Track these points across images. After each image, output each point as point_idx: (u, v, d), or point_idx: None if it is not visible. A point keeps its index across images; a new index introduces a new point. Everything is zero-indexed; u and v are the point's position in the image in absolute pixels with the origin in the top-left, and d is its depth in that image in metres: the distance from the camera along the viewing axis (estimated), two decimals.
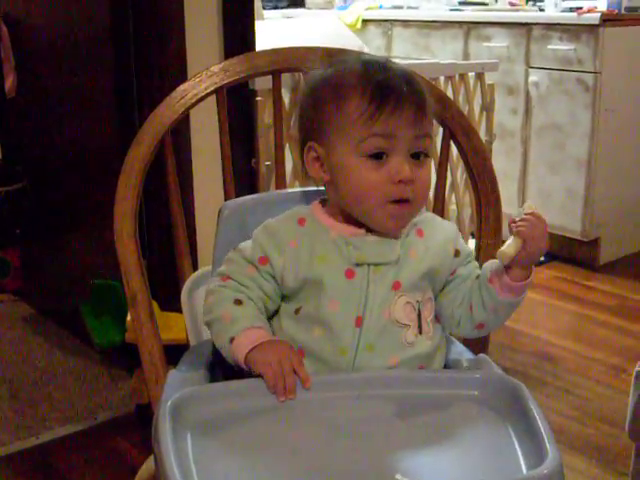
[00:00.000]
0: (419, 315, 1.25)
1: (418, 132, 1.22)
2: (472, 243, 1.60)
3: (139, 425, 2.48)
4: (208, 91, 1.52)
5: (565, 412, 2.63)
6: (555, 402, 2.70)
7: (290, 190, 1.51)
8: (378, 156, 1.21)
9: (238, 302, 1.25)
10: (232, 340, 1.22)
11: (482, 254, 1.51)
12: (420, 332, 1.26)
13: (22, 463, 2.36)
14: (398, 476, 1.04)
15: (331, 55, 1.48)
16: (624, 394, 1.99)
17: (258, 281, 1.27)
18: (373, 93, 1.21)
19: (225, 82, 1.53)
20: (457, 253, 1.31)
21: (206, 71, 1.52)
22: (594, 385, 2.82)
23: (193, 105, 1.50)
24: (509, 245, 1.21)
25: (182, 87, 1.50)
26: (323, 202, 1.32)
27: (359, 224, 1.27)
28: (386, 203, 1.22)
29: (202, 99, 1.52)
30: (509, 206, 4.04)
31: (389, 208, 1.22)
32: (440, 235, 1.31)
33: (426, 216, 1.34)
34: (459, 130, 1.55)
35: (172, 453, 1.02)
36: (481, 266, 1.32)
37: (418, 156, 1.24)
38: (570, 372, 2.92)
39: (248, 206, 1.44)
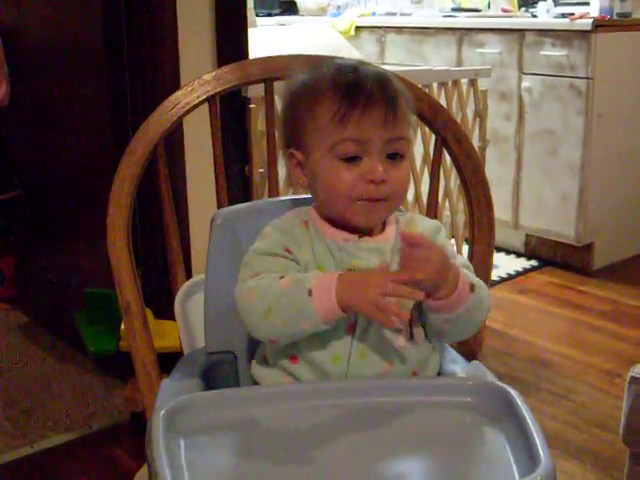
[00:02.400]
0: (410, 321, 1.25)
1: (390, 134, 1.23)
2: (466, 249, 1.60)
3: (134, 433, 2.48)
4: (200, 99, 1.52)
5: (560, 417, 2.64)
6: (550, 407, 2.70)
7: (283, 198, 1.51)
8: (352, 159, 1.23)
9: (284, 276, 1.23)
10: (310, 292, 1.17)
11: (475, 260, 1.51)
12: (412, 337, 1.25)
13: (17, 472, 2.36)
14: None
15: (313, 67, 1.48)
16: (618, 399, 1.99)
17: (289, 264, 1.25)
18: (343, 96, 1.22)
19: (217, 90, 1.53)
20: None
21: (198, 79, 1.52)
22: (589, 390, 2.82)
23: (185, 114, 1.51)
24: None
25: (174, 96, 1.50)
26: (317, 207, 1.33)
27: (351, 229, 1.27)
28: (356, 200, 1.23)
29: (194, 108, 1.52)
30: (503, 212, 4.06)
31: (360, 204, 1.23)
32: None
33: (408, 216, 1.34)
34: (451, 136, 1.55)
35: (165, 461, 1.02)
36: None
37: (394, 157, 1.25)
38: (565, 377, 2.92)
39: (240, 214, 1.44)
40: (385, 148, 1.23)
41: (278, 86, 1.61)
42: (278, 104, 2.63)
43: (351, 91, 1.22)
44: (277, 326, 1.20)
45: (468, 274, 1.25)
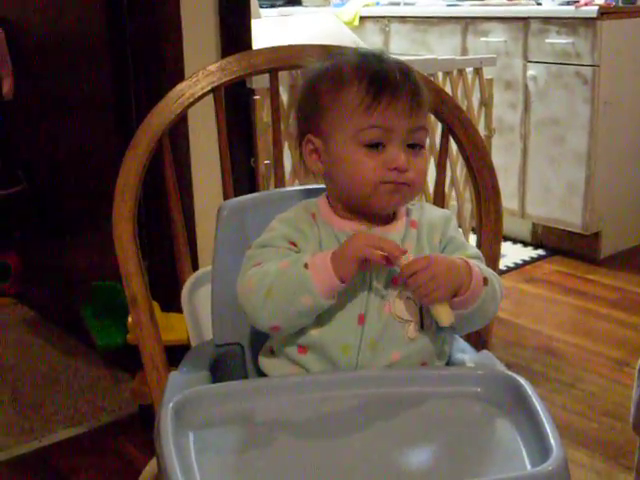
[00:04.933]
0: (421, 310, 1.25)
1: (414, 124, 1.24)
2: (473, 238, 1.59)
3: (142, 426, 2.48)
4: (205, 90, 1.51)
5: (569, 406, 2.63)
6: (559, 397, 2.69)
7: (289, 188, 1.51)
8: (375, 146, 1.23)
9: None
10: (306, 265, 1.18)
11: (482, 249, 1.50)
12: (422, 327, 1.25)
13: (25, 466, 2.36)
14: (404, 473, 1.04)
15: (328, 52, 1.47)
16: (628, 387, 1.98)
17: (291, 254, 1.25)
18: (369, 84, 1.22)
19: (222, 81, 1.52)
20: (451, 240, 1.31)
21: (203, 70, 1.52)
22: (598, 379, 2.82)
23: (190, 105, 1.50)
24: (436, 316, 1.19)
25: (179, 87, 1.50)
26: (327, 198, 1.32)
27: (360, 219, 1.27)
28: (381, 184, 1.23)
29: (199, 99, 1.51)
30: (510, 201, 4.05)
31: (385, 187, 1.23)
32: (430, 224, 1.31)
33: (419, 206, 1.34)
34: (457, 124, 1.54)
35: (174, 454, 1.01)
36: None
37: (414, 147, 1.25)
38: (573, 366, 2.92)
39: (247, 205, 1.44)
40: (407, 138, 1.24)
41: (283, 76, 1.60)
42: (283, 95, 2.64)
43: (378, 79, 1.23)
44: (277, 306, 1.20)
45: (480, 266, 1.25)
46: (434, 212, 1.34)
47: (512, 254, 4.06)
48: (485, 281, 1.22)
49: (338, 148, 1.25)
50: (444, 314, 1.18)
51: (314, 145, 1.29)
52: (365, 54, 1.28)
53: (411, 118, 1.23)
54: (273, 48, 1.57)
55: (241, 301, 1.24)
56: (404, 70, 1.26)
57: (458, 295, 1.20)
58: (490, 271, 1.27)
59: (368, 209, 1.26)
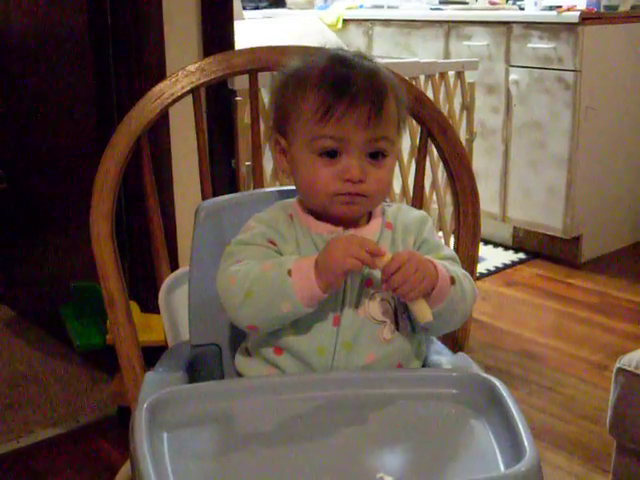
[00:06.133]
0: (395, 312, 1.25)
1: (372, 135, 1.21)
2: (453, 241, 1.59)
3: (121, 427, 2.47)
4: (184, 90, 1.51)
5: (548, 409, 2.64)
6: (538, 400, 2.70)
7: (267, 189, 1.50)
8: (331, 154, 1.22)
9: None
10: (290, 272, 1.16)
11: (460, 251, 1.51)
12: (397, 329, 1.25)
13: (3, 467, 2.35)
14: (380, 475, 1.04)
15: (303, 54, 1.47)
16: (606, 391, 1.99)
17: (272, 254, 1.24)
18: (327, 92, 1.20)
19: (201, 81, 1.52)
20: (425, 241, 1.30)
21: (182, 71, 1.51)
22: (577, 382, 2.83)
23: (169, 105, 1.49)
24: (419, 312, 1.18)
25: (158, 87, 1.49)
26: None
27: (336, 221, 1.26)
28: (334, 196, 1.22)
29: (178, 99, 1.51)
30: (491, 204, 4.06)
31: (339, 198, 1.23)
32: (405, 225, 1.30)
33: (394, 207, 1.33)
34: (436, 128, 1.54)
35: (148, 454, 1.01)
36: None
37: (376, 155, 1.23)
38: (553, 370, 2.93)
39: (224, 206, 1.43)
40: (366, 147, 1.22)
41: (263, 77, 1.60)
42: (264, 96, 2.64)
43: (337, 87, 1.20)
44: (257, 309, 1.19)
45: (449, 267, 1.23)
46: (410, 214, 1.33)
47: (493, 257, 4.08)
48: (452, 280, 1.21)
49: (297, 153, 1.25)
50: (426, 309, 1.17)
51: (281, 145, 1.29)
52: (334, 57, 1.26)
53: (369, 129, 1.21)
54: (252, 49, 1.56)
55: (221, 297, 1.23)
56: (371, 76, 1.23)
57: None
58: (463, 272, 1.27)
59: (329, 215, 1.26)
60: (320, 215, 1.27)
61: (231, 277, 1.21)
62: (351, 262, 1.14)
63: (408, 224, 1.31)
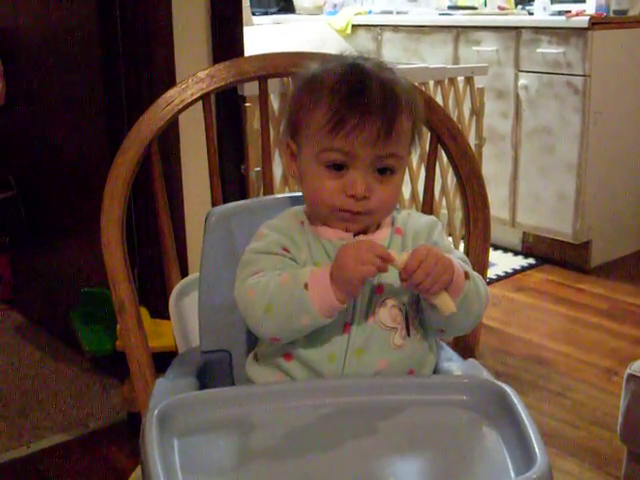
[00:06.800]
0: (406, 318, 1.25)
1: (380, 152, 1.20)
2: (464, 247, 1.59)
3: (131, 433, 2.47)
4: (195, 97, 1.51)
5: (558, 415, 2.63)
6: (548, 405, 2.70)
7: (277, 196, 1.51)
8: (338, 167, 1.21)
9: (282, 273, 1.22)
10: (306, 286, 1.16)
11: (471, 257, 1.51)
12: (408, 335, 1.25)
13: (13, 473, 2.35)
14: None
15: (318, 60, 1.47)
16: (616, 397, 1.98)
17: (288, 262, 1.24)
18: (340, 104, 1.19)
19: (212, 88, 1.53)
20: (435, 245, 1.27)
21: (193, 77, 1.52)
22: (587, 388, 2.82)
23: (180, 112, 1.50)
24: (443, 304, 1.17)
25: (168, 93, 1.50)
26: None
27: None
28: (337, 211, 1.23)
29: (189, 105, 1.51)
30: (500, 210, 4.06)
31: (340, 214, 1.23)
32: (415, 230, 1.30)
33: (404, 213, 1.33)
34: (446, 133, 1.54)
35: (158, 461, 1.01)
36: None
37: (384, 171, 1.23)
38: (562, 375, 2.92)
39: (234, 212, 1.43)
40: (374, 163, 1.21)
41: (273, 84, 1.60)
42: (274, 102, 2.64)
43: (350, 99, 1.19)
44: (278, 322, 1.19)
45: (462, 263, 1.23)
46: (420, 219, 1.33)
47: (502, 263, 4.07)
48: (466, 275, 1.20)
49: (305, 161, 1.25)
50: (449, 301, 1.16)
51: (291, 149, 1.29)
52: (352, 67, 1.24)
53: (378, 145, 1.19)
54: (262, 55, 1.57)
55: (241, 310, 1.23)
56: (386, 90, 1.21)
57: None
58: (475, 273, 1.26)
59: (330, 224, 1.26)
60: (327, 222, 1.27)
61: (250, 291, 1.21)
62: (365, 269, 1.13)
63: (418, 229, 1.30)
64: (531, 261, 4.11)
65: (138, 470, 2.00)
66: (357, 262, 1.13)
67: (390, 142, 1.20)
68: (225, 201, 1.53)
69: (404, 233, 1.29)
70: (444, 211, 3.36)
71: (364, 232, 1.27)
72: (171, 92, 1.50)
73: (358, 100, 1.19)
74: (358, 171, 1.21)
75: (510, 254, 4.21)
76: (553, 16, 3.94)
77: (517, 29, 3.98)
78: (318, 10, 5.28)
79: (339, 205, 1.22)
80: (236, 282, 1.25)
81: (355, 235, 1.26)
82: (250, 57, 1.60)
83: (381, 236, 1.28)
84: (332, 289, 1.15)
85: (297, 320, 1.17)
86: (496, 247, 4.23)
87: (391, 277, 1.22)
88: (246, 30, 2.71)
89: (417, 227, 1.30)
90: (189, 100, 1.51)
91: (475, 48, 4.17)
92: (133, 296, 1.40)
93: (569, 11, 3.85)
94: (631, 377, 1.85)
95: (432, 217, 1.35)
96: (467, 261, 1.30)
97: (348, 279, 1.14)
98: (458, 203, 3.33)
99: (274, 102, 2.67)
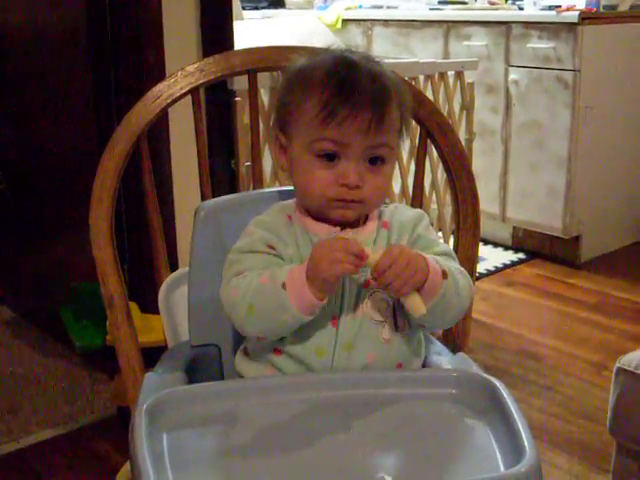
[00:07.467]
0: (394, 311, 1.24)
1: (372, 141, 1.21)
2: (452, 241, 1.59)
3: (121, 428, 2.46)
4: (184, 91, 1.50)
5: (548, 409, 2.64)
6: (538, 399, 2.70)
7: (266, 190, 1.50)
8: (329, 157, 1.22)
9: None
10: (284, 285, 1.16)
11: (460, 251, 1.51)
12: (397, 328, 1.25)
13: (3, 468, 2.35)
14: (380, 475, 1.04)
15: (307, 54, 1.47)
16: (606, 391, 1.99)
17: (273, 260, 1.24)
18: (330, 95, 1.19)
19: (201, 82, 1.52)
20: (419, 238, 1.28)
21: (181, 71, 1.51)
22: (576, 382, 2.83)
23: (168, 106, 1.49)
24: (412, 306, 1.17)
25: (157, 88, 1.49)
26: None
27: (332, 222, 1.26)
28: (330, 200, 1.23)
29: (177, 99, 1.50)
30: (490, 204, 4.06)
31: (334, 203, 1.23)
32: (401, 223, 1.30)
33: (392, 206, 1.33)
34: (436, 128, 1.54)
35: (147, 456, 1.01)
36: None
37: (375, 161, 1.23)
38: (552, 369, 2.93)
39: (224, 207, 1.43)
40: (366, 153, 1.22)
41: (262, 78, 1.60)
42: (264, 96, 2.64)
43: (341, 90, 1.19)
44: (261, 322, 1.19)
45: (439, 261, 1.22)
46: (406, 212, 1.33)
47: (492, 258, 4.08)
48: (444, 274, 1.20)
49: (296, 153, 1.25)
50: (420, 303, 1.16)
51: (281, 142, 1.29)
52: (340, 59, 1.25)
53: (370, 135, 1.20)
54: (251, 49, 1.56)
55: (226, 311, 1.23)
56: (375, 81, 1.22)
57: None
58: (458, 268, 1.26)
59: (324, 217, 1.26)
60: (317, 216, 1.27)
61: (232, 292, 1.22)
62: (339, 268, 1.14)
63: (404, 222, 1.30)
64: (521, 256, 4.12)
65: (127, 465, 2.00)
66: (331, 262, 1.14)
67: (381, 132, 1.21)
68: (215, 195, 1.53)
69: (390, 226, 1.29)
70: (434, 206, 3.36)
71: (352, 226, 1.27)
72: (160, 86, 1.49)
73: (349, 90, 1.19)
74: (350, 161, 1.21)
75: (500, 249, 4.22)
76: (543, 11, 3.95)
77: (507, 24, 3.98)
78: (308, 4, 5.28)
79: (332, 195, 1.22)
80: (222, 282, 1.25)
81: (342, 229, 1.26)
82: (239, 51, 1.59)
83: (368, 230, 1.28)
84: (309, 288, 1.15)
85: (279, 319, 1.18)
86: (486, 242, 4.23)
87: None
88: (236, 24, 2.71)
89: (403, 220, 1.30)
90: (178, 94, 1.50)
91: (465, 43, 4.17)
92: (122, 290, 1.40)
93: (559, 6, 3.86)
94: (620, 371, 1.85)
95: (419, 210, 1.35)
96: (452, 254, 1.30)
97: (323, 278, 1.15)
98: (448, 198, 3.33)
99: (264, 96, 2.67)
